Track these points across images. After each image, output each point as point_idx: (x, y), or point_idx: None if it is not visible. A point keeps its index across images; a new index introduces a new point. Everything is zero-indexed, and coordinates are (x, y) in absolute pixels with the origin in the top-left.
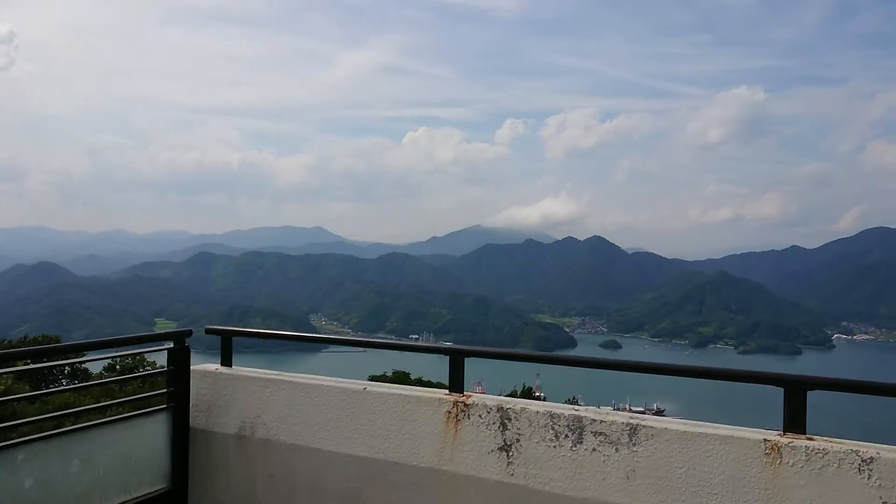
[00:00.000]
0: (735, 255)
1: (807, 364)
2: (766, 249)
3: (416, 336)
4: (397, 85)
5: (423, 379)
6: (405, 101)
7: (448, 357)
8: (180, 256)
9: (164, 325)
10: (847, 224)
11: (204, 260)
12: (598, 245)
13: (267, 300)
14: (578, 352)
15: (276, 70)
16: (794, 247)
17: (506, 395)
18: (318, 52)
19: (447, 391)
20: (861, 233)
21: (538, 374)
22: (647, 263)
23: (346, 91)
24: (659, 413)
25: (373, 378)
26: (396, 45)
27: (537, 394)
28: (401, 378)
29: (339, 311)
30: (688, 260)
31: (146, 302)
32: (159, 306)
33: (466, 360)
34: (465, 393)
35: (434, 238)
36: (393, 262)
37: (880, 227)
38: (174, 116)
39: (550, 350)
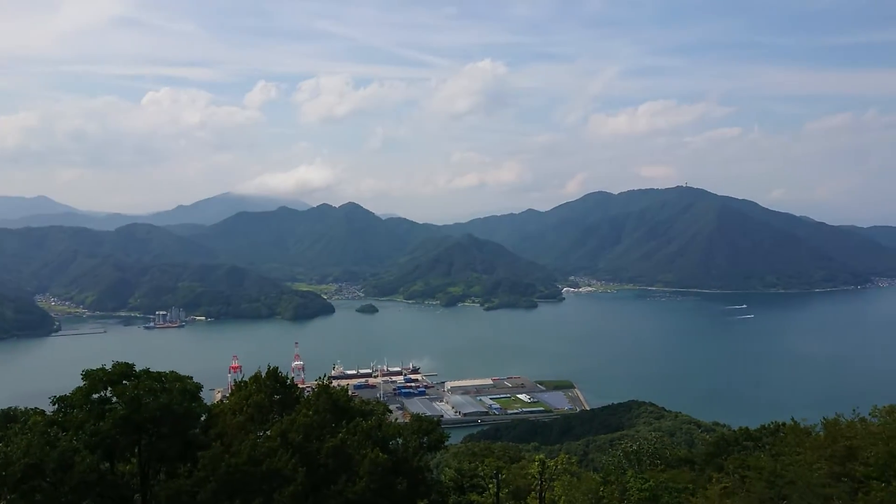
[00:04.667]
0: (479, 218)
1: (541, 315)
2: (505, 213)
3: (164, 312)
4: (133, 39)
5: (153, 371)
6: (143, 58)
7: None
8: None
9: None
10: (573, 189)
11: None
12: (354, 211)
13: None
14: (337, 317)
15: None
16: (529, 210)
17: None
18: None
19: None
20: (584, 196)
21: (297, 343)
22: (400, 228)
23: (72, 44)
24: (415, 371)
25: (87, 373)
26: None
27: (296, 362)
28: (122, 371)
29: (71, 289)
30: (438, 224)
31: None
32: None
33: (217, 328)
34: None
35: (181, 206)
36: (135, 234)
37: (599, 192)
38: None
39: (309, 317)
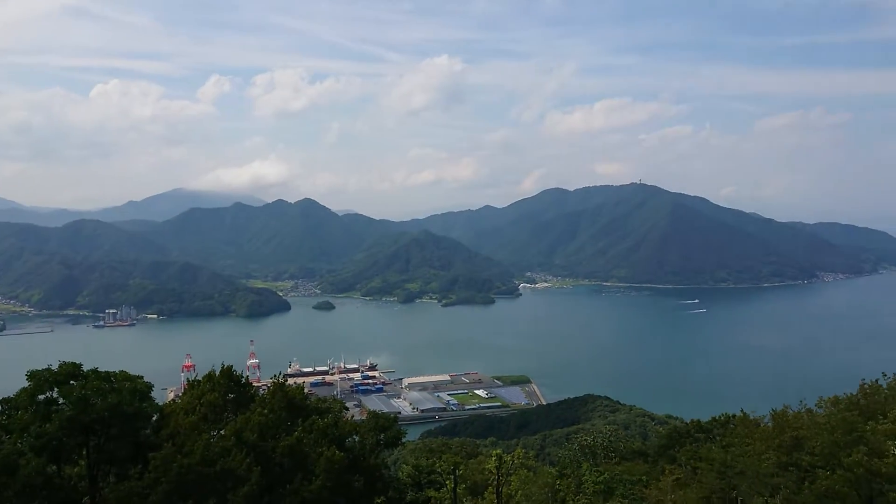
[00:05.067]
0: (436, 215)
1: (498, 311)
2: (462, 209)
3: (114, 310)
4: (82, 30)
5: (101, 371)
6: (92, 50)
7: None
8: None
9: None
10: (529, 185)
11: None
12: (309, 207)
13: None
14: (293, 315)
15: None
16: (486, 206)
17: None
18: None
19: None
20: (540, 193)
21: (252, 341)
22: (356, 225)
23: (17, 33)
24: (372, 368)
25: (32, 373)
26: None
27: (252, 360)
28: (69, 371)
29: (16, 287)
30: (395, 220)
31: None
32: None
33: (169, 326)
34: None
35: (131, 202)
36: (83, 231)
37: (555, 188)
38: None
39: (265, 315)
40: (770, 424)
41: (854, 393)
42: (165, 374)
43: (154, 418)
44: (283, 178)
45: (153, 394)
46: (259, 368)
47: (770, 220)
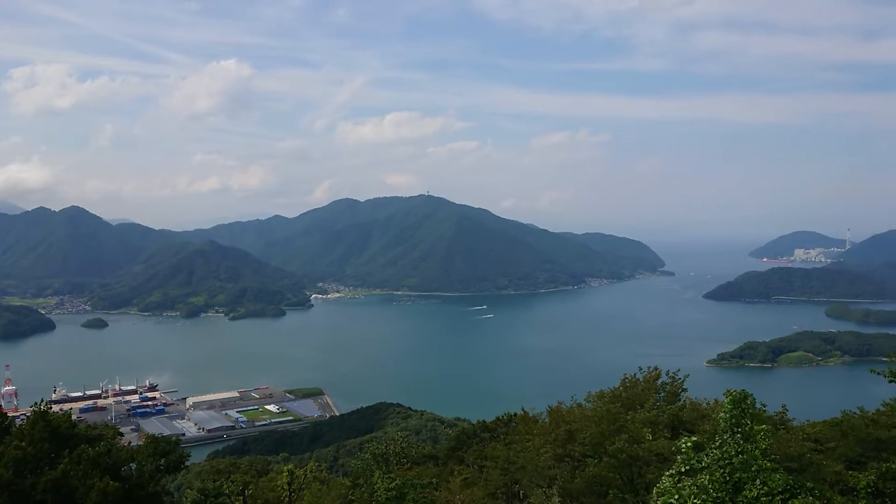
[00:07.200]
0: (223, 224)
1: (290, 323)
2: (251, 219)
3: None
4: None
5: None
6: None
7: None
8: None
9: None
10: (320, 195)
11: None
12: (77, 216)
13: None
14: (58, 334)
15: None
16: (276, 216)
17: None
18: None
19: None
20: (331, 203)
21: (7, 366)
22: (133, 235)
23: None
24: (152, 388)
25: None
26: None
27: (8, 387)
28: None
29: None
30: (177, 230)
31: None
32: None
33: None
34: None
35: None
36: None
37: (346, 199)
38: None
39: (23, 335)
40: (547, 420)
41: (616, 387)
42: None
43: None
44: (47, 183)
45: None
46: (17, 396)
47: (545, 231)
